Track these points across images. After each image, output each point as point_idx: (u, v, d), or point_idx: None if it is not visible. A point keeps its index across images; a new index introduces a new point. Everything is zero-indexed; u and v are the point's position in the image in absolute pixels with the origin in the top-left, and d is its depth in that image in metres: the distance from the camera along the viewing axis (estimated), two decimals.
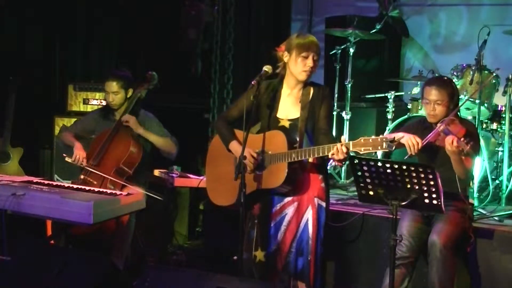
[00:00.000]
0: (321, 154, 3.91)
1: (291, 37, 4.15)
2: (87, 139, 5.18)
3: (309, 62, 4.05)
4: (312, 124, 4.12)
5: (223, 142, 4.23)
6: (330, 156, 3.86)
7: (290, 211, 4.13)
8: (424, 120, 4.40)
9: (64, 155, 4.96)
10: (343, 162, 3.88)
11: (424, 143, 4.08)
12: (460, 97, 4.55)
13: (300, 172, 4.11)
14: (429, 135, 4.10)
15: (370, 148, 3.74)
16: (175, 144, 5.05)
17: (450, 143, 3.90)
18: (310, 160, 4.09)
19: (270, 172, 4.04)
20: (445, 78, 4.47)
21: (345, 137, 4.16)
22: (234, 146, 4.16)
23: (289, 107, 4.16)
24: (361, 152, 3.78)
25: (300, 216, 4.12)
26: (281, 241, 4.13)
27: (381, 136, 3.75)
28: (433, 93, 4.21)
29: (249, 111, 4.00)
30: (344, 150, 3.80)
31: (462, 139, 3.87)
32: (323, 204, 4.13)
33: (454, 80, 4.99)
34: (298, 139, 4.08)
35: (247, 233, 4.08)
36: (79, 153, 4.90)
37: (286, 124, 4.14)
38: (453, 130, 3.99)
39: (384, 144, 3.69)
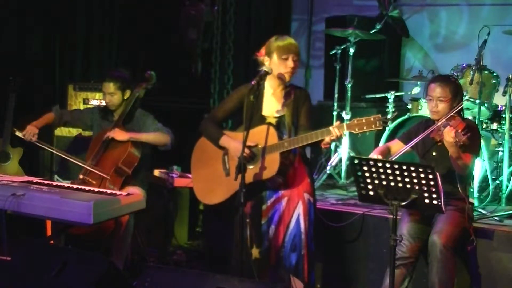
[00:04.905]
0: (315, 139, 4.00)
1: (270, 41, 4.27)
2: (74, 126, 5.49)
3: (290, 63, 4.18)
4: (297, 120, 4.22)
5: (212, 140, 4.30)
6: (326, 139, 3.96)
7: (280, 207, 4.21)
8: (426, 120, 4.42)
9: (14, 129, 5.15)
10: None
11: (424, 135, 4.17)
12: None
13: (290, 166, 4.19)
14: (430, 129, 4.16)
15: (365, 127, 3.85)
16: (168, 134, 5.05)
17: (447, 132, 3.95)
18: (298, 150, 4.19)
19: (263, 164, 4.10)
20: (450, 76, 4.52)
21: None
22: (226, 140, 4.23)
23: (273, 105, 4.26)
24: (355, 132, 3.90)
25: (291, 211, 4.19)
26: (273, 237, 4.19)
27: (373, 115, 3.86)
28: (436, 90, 4.25)
29: (250, 111, 4.03)
30: (339, 133, 3.92)
31: (460, 130, 3.91)
32: (312, 199, 4.24)
33: None
34: (287, 133, 4.18)
35: (240, 232, 4.09)
36: (30, 128, 5.08)
37: (273, 121, 4.23)
38: (453, 124, 4.04)
39: (377, 123, 3.82)
